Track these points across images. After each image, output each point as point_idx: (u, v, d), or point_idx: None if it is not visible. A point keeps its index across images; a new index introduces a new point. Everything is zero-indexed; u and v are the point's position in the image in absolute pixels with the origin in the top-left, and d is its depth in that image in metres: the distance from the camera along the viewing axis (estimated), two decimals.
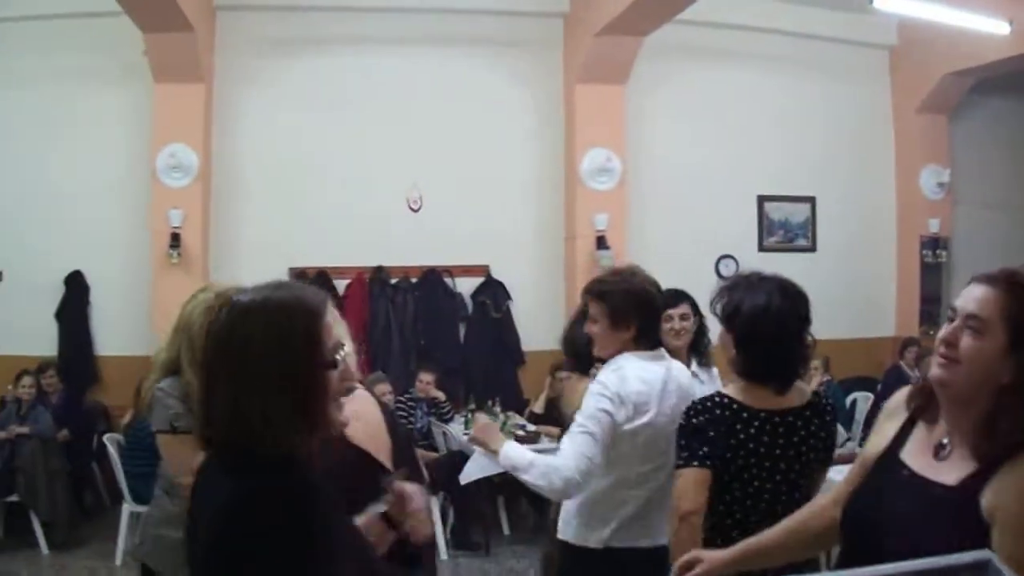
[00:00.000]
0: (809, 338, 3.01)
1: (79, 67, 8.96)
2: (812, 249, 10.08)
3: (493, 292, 9.37)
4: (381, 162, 9.28)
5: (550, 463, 3.32)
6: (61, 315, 8.87)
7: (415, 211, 9.40)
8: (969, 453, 2.04)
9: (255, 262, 9.04)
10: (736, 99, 9.91)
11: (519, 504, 8.57)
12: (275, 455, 1.76)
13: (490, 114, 9.55)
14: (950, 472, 2.05)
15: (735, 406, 2.92)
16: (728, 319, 2.98)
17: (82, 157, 8.95)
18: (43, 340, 8.73)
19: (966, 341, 2.06)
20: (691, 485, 2.87)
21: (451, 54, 9.52)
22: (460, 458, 7.72)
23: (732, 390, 2.98)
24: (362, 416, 2.69)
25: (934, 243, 10.20)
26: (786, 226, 10.17)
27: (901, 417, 2.27)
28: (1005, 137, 10.78)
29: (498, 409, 8.39)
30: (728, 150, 9.86)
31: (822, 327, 3.08)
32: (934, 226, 10.17)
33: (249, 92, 9.23)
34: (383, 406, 2.95)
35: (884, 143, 10.58)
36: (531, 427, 7.99)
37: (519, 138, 9.65)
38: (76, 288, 8.90)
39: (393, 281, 9.04)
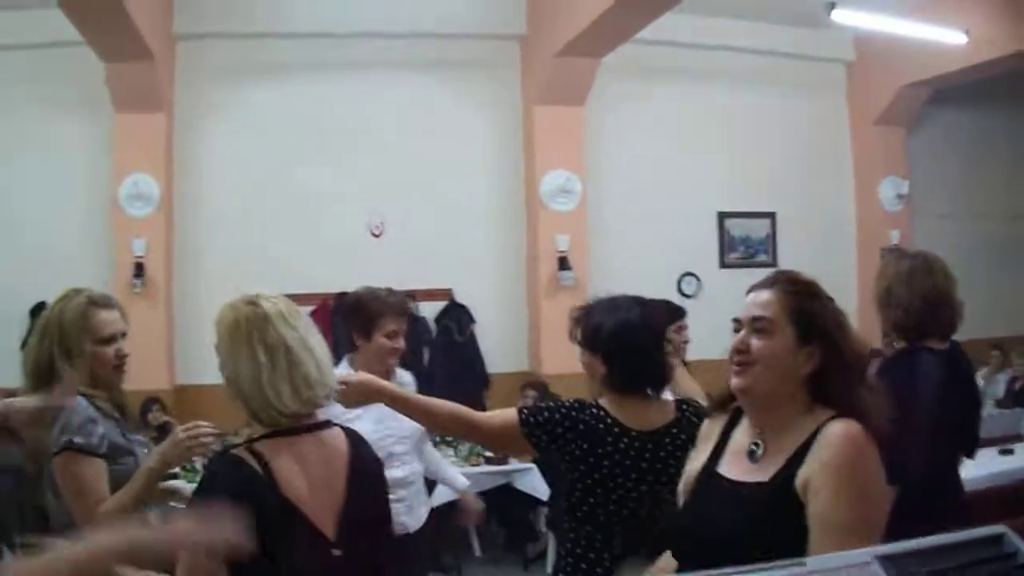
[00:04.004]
0: (668, 346, 3.26)
1: (40, 97, 8.96)
2: (773, 264, 10.08)
3: (457, 315, 9.39)
4: (342, 188, 9.31)
5: None
6: (26, 346, 8.79)
7: (377, 236, 9.44)
8: (781, 449, 2.13)
9: (218, 290, 8.96)
10: (694, 117, 10.00)
11: (489, 525, 8.61)
12: None
13: (449, 137, 9.59)
14: (764, 471, 2.14)
15: (609, 420, 3.04)
16: (593, 340, 3.13)
17: (44, 187, 8.92)
18: (7, 372, 8.65)
19: (756, 343, 2.19)
20: None
21: (409, 79, 9.57)
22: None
23: (606, 403, 3.10)
24: (311, 465, 2.36)
25: None
26: (747, 242, 10.26)
27: (715, 436, 2.37)
28: (962, 147, 10.92)
29: None
30: (687, 168, 9.93)
31: None
32: (894, 237, 10.25)
33: (210, 120, 9.28)
34: (358, 450, 2.50)
35: (842, 157, 10.70)
36: None
37: (479, 161, 9.71)
38: None
39: None
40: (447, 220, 9.50)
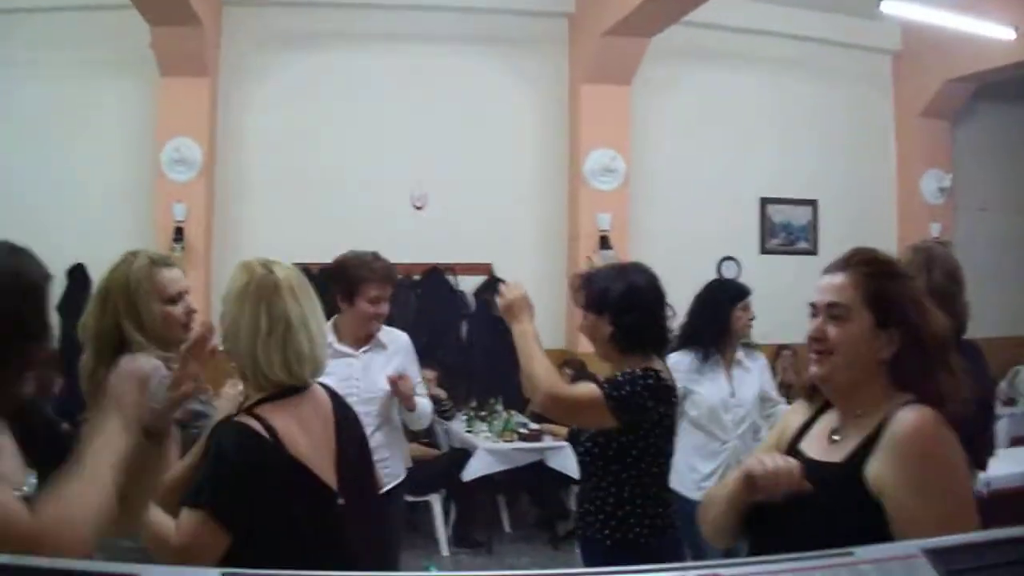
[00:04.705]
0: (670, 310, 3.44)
1: (85, 59, 8.94)
2: (813, 252, 10.02)
3: (496, 290, 9.33)
4: (385, 159, 9.29)
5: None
6: (63, 308, 8.78)
7: (419, 209, 9.43)
8: (857, 433, 2.11)
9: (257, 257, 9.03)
10: (740, 101, 9.95)
11: (520, 502, 8.61)
12: None
13: (495, 112, 9.59)
14: (839, 453, 2.13)
15: (671, 381, 3.32)
16: (600, 301, 3.33)
17: (86, 150, 8.93)
18: None
19: (833, 330, 2.15)
20: None
21: (456, 52, 9.54)
22: (462, 456, 7.77)
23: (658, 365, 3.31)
24: (308, 423, 2.53)
25: None
26: (788, 229, 10.21)
27: (803, 412, 2.36)
28: (1007, 142, 10.82)
29: (500, 407, 8.40)
30: (731, 152, 9.89)
31: None
32: (935, 230, 10.16)
33: (254, 87, 9.25)
34: (338, 405, 2.69)
35: (886, 147, 10.64)
36: (534, 425, 8.02)
37: (523, 137, 9.69)
38: (78, 281, 8.82)
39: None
40: (489, 195, 9.49)
